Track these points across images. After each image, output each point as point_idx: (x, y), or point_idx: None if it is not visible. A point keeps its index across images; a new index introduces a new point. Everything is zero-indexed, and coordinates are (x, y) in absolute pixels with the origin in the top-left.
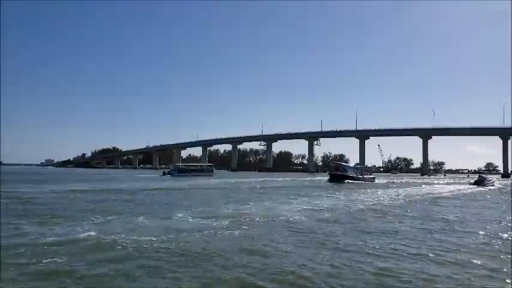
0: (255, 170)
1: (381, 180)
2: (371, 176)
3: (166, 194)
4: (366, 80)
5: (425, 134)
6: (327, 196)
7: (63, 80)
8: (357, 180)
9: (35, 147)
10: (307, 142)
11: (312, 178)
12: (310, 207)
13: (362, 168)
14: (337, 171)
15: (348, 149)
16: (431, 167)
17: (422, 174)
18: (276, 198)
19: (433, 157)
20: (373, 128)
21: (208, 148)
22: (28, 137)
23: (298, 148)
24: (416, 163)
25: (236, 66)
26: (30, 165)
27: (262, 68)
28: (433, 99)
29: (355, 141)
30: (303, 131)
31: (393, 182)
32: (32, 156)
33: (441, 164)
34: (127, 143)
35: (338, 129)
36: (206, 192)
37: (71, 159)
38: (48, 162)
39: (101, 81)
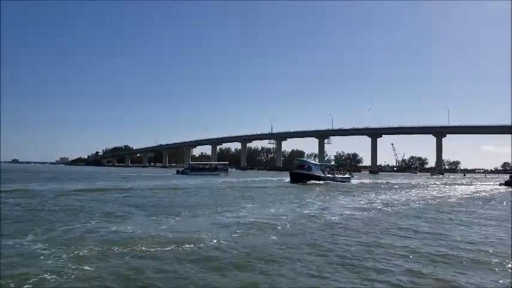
0: (264, 169)
1: (366, 179)
2: (345, 176)
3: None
4: (377, 78)
5: (439, 132)
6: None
7: (79, 79)
8: (324, 180)
9: (54, 145)
10: (317, 140)
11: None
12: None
13: (331, 165)
14: (301, 169)
15: (361, 148)
16: (446, 167)
17: (437, 174)
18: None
19: (447, 156)
20: (385, 126)
21: (218, 146)
22: (47, 136)
23: (310, 147)
24: (431, 162)
25: (246, 65)
26: (45, 163)
27: (272, 66)
28: (447, 97)
29: (367, 141)
30: (312, 129)
31: (384, 184)
32: (51, 154)
33: (456, 163)
34: (137, 142)
35: (349, 127)
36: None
37: (86, 157)
38: (63, 161)
39: (112, 81)
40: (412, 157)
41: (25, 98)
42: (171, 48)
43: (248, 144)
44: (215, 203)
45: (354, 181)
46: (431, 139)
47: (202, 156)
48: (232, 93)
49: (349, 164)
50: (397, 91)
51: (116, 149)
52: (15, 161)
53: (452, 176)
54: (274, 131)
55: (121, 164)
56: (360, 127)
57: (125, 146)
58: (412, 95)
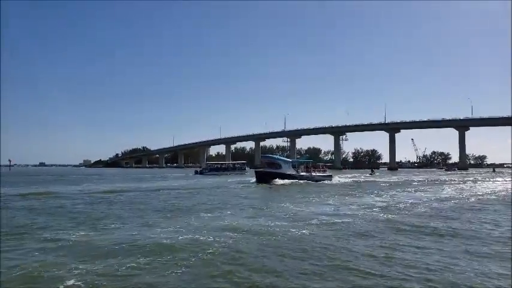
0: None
1: (362, 177)
2: (324, 174)
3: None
4: (394, 71)
5: (462, 125)
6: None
7: (100, 82)
8: (298, 179)
9: (78, 148)
10: (333, 137)
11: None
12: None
13: (307, 162)
14: (271, 166)
15: (381, 144)
16: (471, 161)
17: (459, 169)
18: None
19: (472, 151)
20: (404, 120)
21: (233, 146)
22: (71, 139)
23: (327, 144)
24: (455, 157)
25: (255, 64)
26: (68, 165)
27: (285, 63)
28: (469, 90)
29: (385, 136)
30: (327, 125)
31: (375, 182)
32: (75, 156)
33: (482, 157)
34: (154, 142)
35: (365, 123)
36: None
37: (107, 159)
38: (86, 163)
39: (124, 82)
40: (434, 152)
41: (48, 101)
42: (188, 49)
43: (263, 143)
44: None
45: (335, 180)
46: (453, 133)
47: (219, 156)
48: (243, 91)
49: (367, 160)
50: (414, 85)
51: (134, 150)
52: (42, 164)
53: (475, 171)
54: (289, 129)
55: (139, 165)
56: (377, 122)
57: (143, 148)
58: (430, 88)
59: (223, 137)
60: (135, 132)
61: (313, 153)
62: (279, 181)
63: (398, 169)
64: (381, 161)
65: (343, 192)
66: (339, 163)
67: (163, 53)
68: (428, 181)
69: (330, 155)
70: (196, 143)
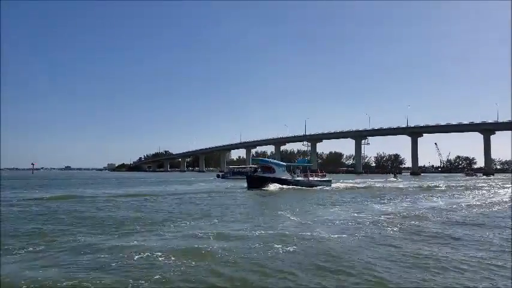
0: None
1: (380, 181)
2: (323, 179)
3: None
4: (416, 74)
5: (487, 129)
6: None
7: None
8: (293, 184)
9: (103, 152)
10: (354, 141)
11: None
12: None
13: (305, 166)
14: (265, 171)
15: (403, 148)
16: (498, 166)
17: (485, 174)
18: None
19: (499, 155)
20: (427, 124)
21: (253, 150)
22: (97, 143)
23: (350, 149)
24: (480, 162)
25: (276, 66)
26: (92, 169)
27: (304, 66)
28: (494, 92)
29: (407, 140)
30: (348, 129)
31: (378, 188)
32: (101, 160)
33: (510, 163)
34: (176, 146)
35: (386, 127)
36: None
37: (131, 162)
38: (110, 167)
39: (142, 82)
40: (459, 157)
41: (74, 107)
42: (202, 48)
43: (284, 147)
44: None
45: (334, 185)
46: (478, 137)
47: (239, 160)
48: (263, 94)
49: (390, 165)
50: (439, 88)
51: (156, 154)
52: (67, 168)
53: (502, 176)
54: (309, 133)
55: (160, 169)
56: (399, 126)
57: (165, 152)
58: (455, 91)
59: (243, 141)
60: (157, 137)
61: (335, 157)
62: (271, 186)
63: (421, 174)
64: (404, 166)
65: (335, 199)
66: (360, 167)
67: (184, 57)
68: (429, 187)
69: (351, 159)
70: (216, 147)
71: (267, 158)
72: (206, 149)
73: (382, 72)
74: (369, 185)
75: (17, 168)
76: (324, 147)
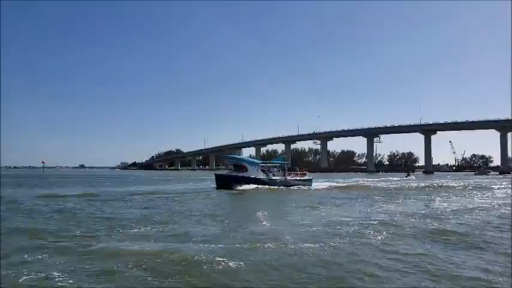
0: (308, 171)
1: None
2: (302, 179)
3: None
4: (430, 70)
5: (503, 126)
6: None
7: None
8: (268, 184)
9: (117, 150)
10: (366, 139)
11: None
12: None
13: (282, 164)
14: (238, 169)
15: (417, 146)
16: None
17: (501, 173)
18: None
19: None
20: (440, 121)
21: (263, 148)
22: (112, 141)
23: (362, 147)
24: (497, 160)
25: (285, 64)
26: (105, 168)
27: (315, 64)
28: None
29: (421, 138)
30: (359, 127)
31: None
32: (115, 158)
33: None
34: (187, 145)
35: (398, 124)
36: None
37: (143, 161)
38: (123, 165)
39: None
40: (474, 155)
41: (93, 104)
42: (216, 46)
43: (294, 146)
44: None
45: (315, 185)
46: (495, 135)
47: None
48: (272, 93)
49: (403, 163)
50: (453, 82)
51: (168, 153)
52: (81, 166)
53: None
54: (320, 131)
55: (171, 168)
56: (412, 123)
57: (177, 150)
58: (469, 89)
59: (253, 139)
60: (170, 136)
61: (347, 156)
62: (242, 186)
63: (434, 173)
64: (417, 164)
65: (308, 201)
66: (372, 166)
67: (194, 56)
68: (434, 186)
69: (364, 158)
70: (226, 145)
71: (278, 156)
72: (217, 147)
73: (394, 71)
74: (353, 185)
75: (32, 167)
76: (336, 146)
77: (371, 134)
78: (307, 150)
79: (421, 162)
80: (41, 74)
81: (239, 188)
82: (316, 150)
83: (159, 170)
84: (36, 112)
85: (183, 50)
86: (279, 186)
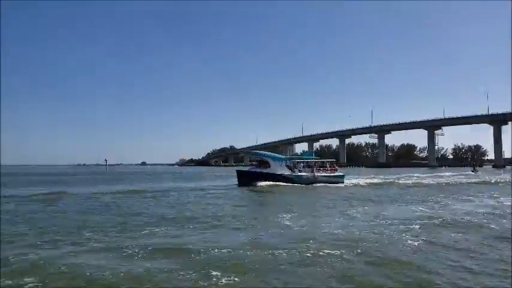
0: (362, 166)
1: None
2: (332, 175)
3: None
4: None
5: None
6: None
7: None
8: (292, 181)
9: (174, 147)
10: (426, 132)
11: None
12: None
13: (308, 160)
14: (264, 165)
15: (485, 139)
16: None
17: None
18: None
19: None
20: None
21: (317, 144)
22: (173, 138)
23: (423, 140)
24: None
25: (337, 54)
26: (164, 164)
27: (372, 54)
28: None
29: (489, 130)
30: (419, 119)
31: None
32: (175, 155)
33: None
34: (242, 142)
35: (462, 115)
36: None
37: (199, 157)
38: (181, 162)
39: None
40: None
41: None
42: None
43: (349, 140)
44: None
45: (349, 181)
46: None
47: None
48: (326, 86)
49: (470, 157)
50: None
51: (222, 149)
52: (143, 163)
53: None
54: (376, 124)
55: (225, 164)
56: (479, 114)
57: (230, 147)
58: None
59: (305, 134)
60: (226, 133)
61: (407, 150)
62: (263, 183)
63: (506, 167)
64: (486, 158)
65: (334, 200)
66: (434, 160)
67: (242, 50)
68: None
69: (426, 152)
70: (279, 141)
71: (333, 152)
72: (269, 143)
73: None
74: (391, 181)
75: (99, 164)
76: (394, 140)
77: (432, 126)
78: (363, 145)
79: (491, 155)
80: (111, 75)
81: (261, 184)
82: (374, 144)
83: (214, 166)
84: (108, 113)
85: (236, 49)
86: (305, 183)
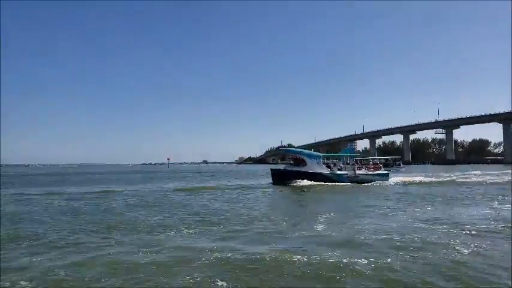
0: (428, 163)
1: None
2: (376, 173)
3: None
4: None
5: None
6: None
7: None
8: (330, 179)
9: (235, 146)
10: (501, 125)
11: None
12: None
13: (347, 157)
14: (300, 163)
15: None
16: None
17: None
18: None
19: None
20: None
21: (378, 140)
22: (235, 137)
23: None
24: None
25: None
26: (223, 163)
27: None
28: None
29: None
30: (492, 112)
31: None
32: (230, 155)
33: None
34: (301, 139)
35: None
36: None
37: (256, 156)
38: (240, 160)
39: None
40: None
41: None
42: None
43: (414, 136)
44: None
45: (394, 179)
46: None
47: (365, 152)
48: (388, 80)
49: None
50: None
51: (279, 148)
52: (204, 162)
53: None
54: (443, 118)
55: (283, 162)
56: None
57: (288, 145)
58: None
59: (366, 131)
60: (282, 131)
61: (479, 145)
62: (299, 182)
63: None
64: None
65: (371, 202)
66: (510, 157)
67: (302, 49)
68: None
69: (501, 147)
70: (338, 138)
71: (397, 148)
72: (327, 140)
73: None
74: (445, 180)
75: (163, 163)
76: (464, 135)
77: (508, 119)
78: (430, 141)
79: None
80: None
81: (296, 183)
82: (441, 140)
83: (272, 163)
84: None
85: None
86: (344, 181)
